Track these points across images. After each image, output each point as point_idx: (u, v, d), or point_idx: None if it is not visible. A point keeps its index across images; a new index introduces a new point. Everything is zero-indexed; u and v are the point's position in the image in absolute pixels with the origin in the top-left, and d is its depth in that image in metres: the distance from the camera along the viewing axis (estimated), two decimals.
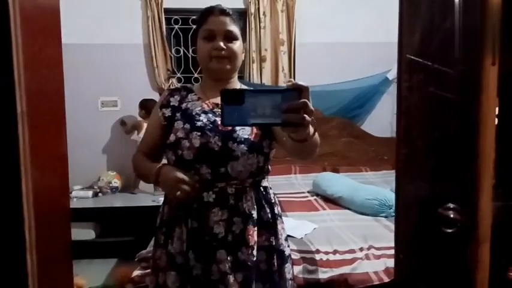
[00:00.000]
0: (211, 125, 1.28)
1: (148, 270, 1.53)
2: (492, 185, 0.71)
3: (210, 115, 1.31)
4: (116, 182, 3.75)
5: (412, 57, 0.63)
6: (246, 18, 3.89)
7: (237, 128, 1.27)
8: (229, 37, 1.30)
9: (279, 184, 3.41)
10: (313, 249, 2.09)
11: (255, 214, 1.30)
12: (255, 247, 1.29)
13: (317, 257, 2.02)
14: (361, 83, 4.02)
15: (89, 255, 3.35)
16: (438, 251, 0.62)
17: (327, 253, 2.07)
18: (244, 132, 1.28)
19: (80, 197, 3.59)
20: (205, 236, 1.27)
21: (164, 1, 3.78)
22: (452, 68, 0.58)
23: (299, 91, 0.81)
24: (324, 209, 2.81)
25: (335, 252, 2.07)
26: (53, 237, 2.49)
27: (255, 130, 1.30)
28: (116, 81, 3.86)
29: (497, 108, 0.71)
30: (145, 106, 3.63)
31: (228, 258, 1.26)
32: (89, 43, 3.78)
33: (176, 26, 3.97)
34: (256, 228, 1.30)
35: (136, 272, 2.09)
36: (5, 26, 1.13)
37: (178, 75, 4.05)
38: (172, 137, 1.29)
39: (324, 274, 1.91)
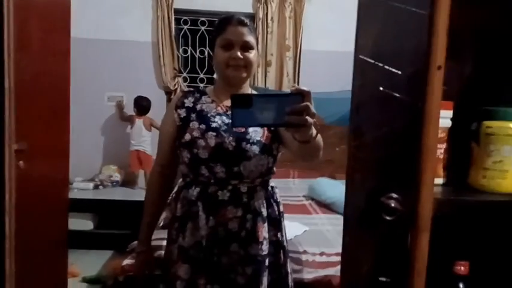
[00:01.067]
0: (225, 126, 1.36)
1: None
2: (442, 182, 0.76)
3: (224, 117, 1.39)
4: (117, 176, 3.82)
5: (365, 58, 0.68)
6: (254, 22, 3.95)
7: (250, 130, 1.36)
8: (246, 47, 1.36)
9: (277, 187, 3.45)
10: (301, 250, 2.14)
11: (264, 212, 1.38)
12: (265, 242, 1.37)
13: (303, 257, 2.06)
14: None
15: (86, 246, 3.42)
16: (380, 237, 0.66)
17: (313, 254, 2.11)
18: (257, 134, 1.36)
19: (80, 188, 3.67)
20: (219, 231, 1.34)
21: (174, 2, 3.86)
22: (401, 70, 0.62)
23: (302, 95, 0.88)
24: (317, 213, 2.85)
25: (322, 254, 2.11)
26: (49, 225, 2.56)
27: (266, 133, 1.38)
28: (122, 77, 3.95)
29: (451, 112, 0.75)
30: (138, 103, 3.72)
31: (240, 251, 1.35)
32: (99, 38, 3.87)
33: (185, 27, 4.05)
34: (265, 225, 1.38)
35: (127, 261, 2.14)
36: None
37: (185, 74, 4.12)
38: (187, 136, 1.36)
39: (308, 274, 1.95)
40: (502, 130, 0.70)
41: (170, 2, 3.84)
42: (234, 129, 1.35)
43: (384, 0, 0.65)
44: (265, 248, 1.37)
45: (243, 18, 1.39)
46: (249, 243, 1.35)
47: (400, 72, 0.62)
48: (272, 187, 1.46)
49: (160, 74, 3.96)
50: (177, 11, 3.92)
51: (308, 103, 0.88)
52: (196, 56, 4.09)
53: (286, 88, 4.02)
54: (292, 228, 2.42)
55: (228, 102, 1.42)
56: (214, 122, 1.36)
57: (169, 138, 1.44)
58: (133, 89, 3.93)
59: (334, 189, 3.03)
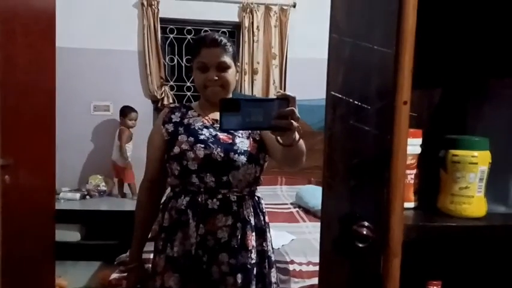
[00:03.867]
0: (213, 138, 1.40)
1: (125, 274, 1.61)
2: (413, 206, 0.79)
3: (211, 129, 1.43)
4: (104, 186, 3.81)
5: (336, 93, 0.71)
6: (240, 31, 3.99)
7: (237, 140, 1.40)
8: (222, 67, 1.40)
9: (265, 195, 3.45)
10: (288, 260, 2.16)
11: (252, 220, 1.42)
12: (253, 251, 1.40)
13: (290, 267, 2.09)
14: None
15: (73, 257, 3.40)
16: (353, 263, 0.69)
17: (300, 264, 2.14)
18: (243, 144, 1.40)
19: (67, 198, 3.65)
20: (208, 240, 1.37)
21: (160, 11, 3.87)
22: (370, 105, 0.65)
23: (287, 100, 0.94)
24: (304, 221, 2.88)
25: (308, 263, 2.14)
26: (35, 237, 2.56)
27: (252, 143, 1.42)
28: (109, 86, 3.95)
29: (420, 140, 0.79)
30: (123, 112, 3.73)
31: (230, 261, 1.37)
32: (85, 47, 3.86)
33: (171, 35, 4.07)
34: (254, 234, 1.42)
35: (114, 275, 2.15)
36: None
37: (171, 83, 4.13)
38: (176, 149, 1.40)
39: (295, 284, 1.98)
40: (467, 159, 0.73)
41: (156, 11, 3.86)
42: (222, 140, 1.39)
43: (351, 40, 0.68)
44: (253, 256, 1.40)
45: (216, 37, 1.42)
46: (239, 252, 1.38)
47: (369, 107, 0.66)
48: (258, 197, 1.50)
49: (146, 83, 3.97)
50: (163, 20, 3.93)
51: (293, 108, 0.93)
52: (183, 65, 4.11)
53: (273, 95, 4.06)
54: (279, 237, 2.44)
55: (213, 115, 1.46)
56: (202, 134, 1.41)
57: (158, 153, 1.47)
58: (120, 98, 3.93)
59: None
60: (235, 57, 1.46)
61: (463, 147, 0.74)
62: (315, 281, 1.99)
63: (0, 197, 1.99)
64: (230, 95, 1.50)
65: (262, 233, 1.46)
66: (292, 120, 0.94)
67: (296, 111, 0.94)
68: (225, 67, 1.40)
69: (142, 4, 3.85)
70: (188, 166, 1.37)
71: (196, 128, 1.43)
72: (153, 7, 3.85)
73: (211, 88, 1.40)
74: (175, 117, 1.48)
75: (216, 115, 1.37)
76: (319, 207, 2.66)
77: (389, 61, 0.64)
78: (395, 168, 0.66)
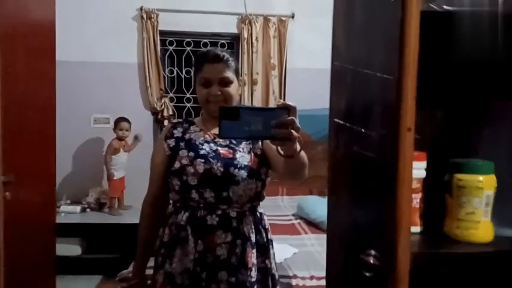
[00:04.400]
0: (213, 153, 1.40)
1: None
2: (419, 230, 0.78)
3: (212, 144, 1.43)
4: (105, 199, 3.80)
5: (339, 121, 0.71)
6: (239, 42, 4.00)
7: (238, 155, 1.39)
8: (224, 82, 1.40)
9: (266, 206, 3.44)
10: (291, 274, 2.15)
11: (253, 237, 1.40)
12: (253, 269, 1.38)
13: (293, 282, 2.08)
14: None
15: (74, 271, 3.38)
16: None
17: (303, 278, 2.12)
18: (244, 159, 1.39)
19: (67, 212, 3.63)
20: (207, 257, 1.35)
21: (160, 23, 3.88)
22: (373, 131, 0.65)
23: (288, 110, 0.92)
24: (306, 232, 2.86)
25: (312, 277, 2.13)
26: (36, 251, 2.54)
27: (253, 157, 1.41)
28: (109, 99, 3.94)
29: (424, 163, 0.78)
30: (117, 123, 3.72)
31: (229, 279, 1.35)
32: (85, 61, 3.87)
33: (171, 48, 4.08)
34: (254, 251, 1.40)
35: None
36: None
37: (171, 95, 4.14)
38: (177, 164, 1.40)
39: None
40: (472, 183, 0.73)
41: (155, 23, 3.87)
42: (222, 155, 1.38)
43: (352, 67, 0.68)
44: (253, 274, 1.38)
45: (219, 52, 1.43)
46: (238, 270, 1.36)
47: (372, 134, 0.65)
48: (261, 213, 1.48)
49: (146, 95, 3.97)
50: (163, 33, 3.94)
51: (293, 117, 0.92)
52: (183, 76, 4.11)
53: (273, 106, 4.05)
54: (282, 251, 2.43)
55: (215, 130, 1.45)
56: (202, 149, 1.41)
57: (161, 169, 1.47)
58: (120, 110, 3.92)
59: (324, 207, 3.02)
60: (238, 72, 1.47)
61: (468, 171, 0.74)
62: None
63: (2, 214, 1.99)
64: None
65: (264, 250, 1.44)
66: (292, 130, 0.92)
67: (296, 120, 0.93)
68: (227, 82, 1.41)
69: (142, 17, 3.86)
70: (188, 181, 1.37)
71: (197, 143, 1.43)
72: (153, 20, 3.86)
73: (214, 103, 1.40)
74: (177, 132, 1.49)
75: (218, 129, 1.42)
76: (321, 219, 2.65)
77: (391, 87, 0.64)
78: (401, 197, 0.65)
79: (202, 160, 1.37)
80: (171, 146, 1.45)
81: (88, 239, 3.59)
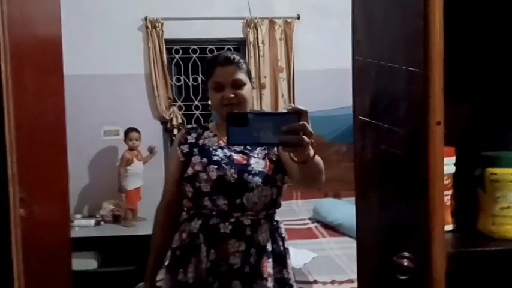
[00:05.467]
0: (227, 159, 1.37)
1: None
2: (451, 228, 0.74)
3: (226, 150, 1.40)
4: (119, 211, 3.78)
5: (364, 118, 0.66)
6: (245, 46, 3.97)
7: (252, 161, 1.36)
8: (237, 85, 1.38)
9: (280, 210, 3.41)
10: (311, 280, 2.11)
11: (269, 246, 1.36)
12: (269, 279, 1.33)
13: (315, 287, 2.03)
14: None
15: (91, 286, 3.35)
16: None
17: (324, 283, 2.08)
18: (259, 165, 1.36)
19: (81, 225, 3.62)
20: (221, 267, 1.32)
21: (165, 32, 3.88)
22: (400, 128, 0.61)
23: (298, 114, 0.87)
24: (324, 236, 2.81)
25: (333, 282, 2.08)
26: (53, 268, 2.52)
27: (268, 164, 1.38)
28: (118, 110, 3.94)
29: (454, 158, 0.74)
30: (126, 134, 3.70)
31: None
32: (92, 74, 3.87)
33: (177, 56, 4.07)
34: (270, 260, 1.35)
35: None
36: None
37: (179, 103, 4.12)
38: (190, 170, 1.38)
39: None
40: (506, 177, 0.68)
41: (161, 33, 3.86)
42: (236, 161, 1.35)
43: (376, 62, 0.64)
44: (270, 285, 1.33)
45: (229, 55, 1.40)
46: (253, 279, 1.32)
47: (399, 130, 0.61)
48: (277, 221, 1.44)
49: (155, 105, 3.96)
50: (168, 41, 3.93)
51: (305, 122, 0.87)
52: (190, 84, 4.10)
53: (283, 109, 4.02)
54: (300, 256, 2.38)
55: None
56: (215, 155, 1.38)
57: (175, 175, 1.45)
58: (129, 121, 3.92)
59: (340, 209, 2.99)
60: (250, 74, 1.44)
61: (501, 165, 0.69)
62: None
63: (19, 232, 1.97)
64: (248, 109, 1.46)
65: (281, 260, 1.40)
66: (304, 136, 0.87)
67: (308, 125, 0.88)
68: (240, 84, 1.38)
69: (147, 27, 3.86)
70: (201, 188, 1.34)
71: (211, 149, 1.40)
72: (158, 29, 3.86)
73: (229, 106, 1.37)
74: (191, 138, 1.46)
75: None
76: (338, 221, 2.60)
77: (418, 81, 0.59)
78: (433, 193, 0.61)
79: (216, 166, 1.34)
80: (185, 152, 1.43)
81: (103, 253, 3.57)
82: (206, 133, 1.47)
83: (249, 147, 1.40)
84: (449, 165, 0.72)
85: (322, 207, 3.15)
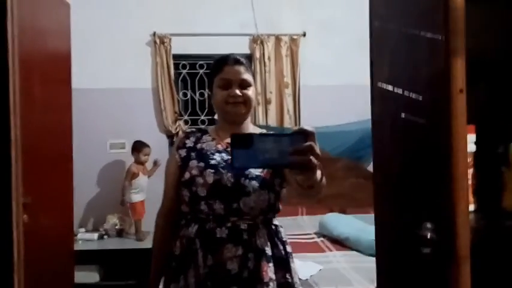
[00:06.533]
0: (224, 163, 1.35)
1: None
2: (473, 208, 0.71)
3: (224, 154, 1.38)
4: (122, 225, 3.74)
5: (383, 85, 0.65)
6: (252, 62, 4.01)
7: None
8: (244, 84, 1.38)
9: (286, 225, 3.33)
10: None
11: (268, 250, 1.33)
12: (271, 284, 1.29)
13: None
14: (366, 123, 4.03)
15: None
16: (417, 272, 0.61)
17: None
18: (256, 169, 1.33)
19: (85, 239, 3.58)
20: (219, 273, 1.29)
21: (173, 48, 3.92)
22: (421, 95, 0.60)
23: (305, 135, 0.84)
24: (330, 250, 2.76)
25: None
26: (55, 277, 2.48)
27: None
28: (124, 123, 3.95)
29: (474, 136, 0.72)
30: (135, 147, 3.70)
31: None
32: (99, 88, 3.90)
33: (184, 71, 4.10)
34: (271, 265, 1.32)
35: None
36: (3, 74, 1.20)
37: (186, 117, 4.13)
38: (187, 175, 1.36)
39: None
40: None
41: (168, 48, 3.91)
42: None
43: (395, 27, 0.63)
44: None
45: (239, 57, 1.42)
46: (253, 285, 1.28)
47: (420, 98, 0.60)
48: (276, 226, 1.41)
49: (161, 119, 3.97)
50: (176, 56, 3.98)
51: (312, 143, 0.83)
52: (196, 99, 4.12)
53: (288, 125, 4.01)
54: (306, 268, 2.33)
55: (228, 139, 1.39)
56: (213, 159, 1.36)
57: (174, 180, 1.43)
58: (135, 134, 3.92)
59: (346, 224, 2.95)
60: (255, 79, 1.45)
61: None
62: None
63: (22, 237, 1.94)
64: (249, 119, 1.46)
65: (283, 264, 1.35)
66: (311, 157, 0.83)
67: (316, 146, 0.84)
68: (247, 85, 1.38)
69: (155, 42, 3.91)
70: (198, 192, 1.32)
71: (208, 153, 1.39)
72: (166, 44, 3.90)
73: (234, 105, 1.37)
74: (190, 142, 1.45)
75: None
76: (345, 235, 2.57)
77: (440, 48, 0.59)
78: (457, 164, 0.59)
79: (212, 170, 1.33)
80: (182, 156, 1.42)
81: (106, 266, 3.52)
82: (205, 137, 1.46)
83: None
84: (469, 143, 0.71)
85: (328, 221, 3.10)
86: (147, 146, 3.73)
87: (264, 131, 1.48)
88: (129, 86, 3.95)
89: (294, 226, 3.40)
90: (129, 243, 3.53)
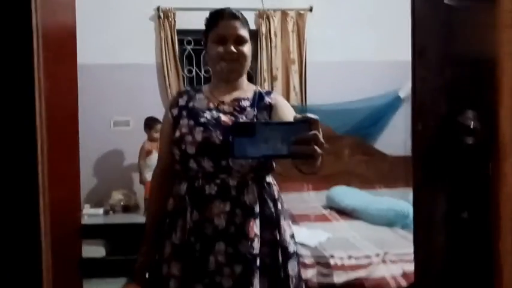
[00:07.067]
0: (214, 121, 1.33)
1: None
2: None
3: (214, 112, 1.36)
4: (127, 201, 3.73)
5: None
6: (257, 38, 3.96)
7: (240, 121, 1.31)
8: (240, 41, 1.34)
9: (291, 200, 3.34)
10: (327, 255, 2.04)
11: (256, 208, 1.32)
12: (256, 240, 1.29)
13: (331, 261, 1.97)
14: (373, 101, 4.01)
15: (99, 274, 3.28)
16: (456, 167, 0.58)
17: (341, 258, 2.01)
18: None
19: (90, 214, 3.57)
20: (206, 228, 1.29)
21: (177, 23, 3.87)
22: None
23: (309, 123, 0.82)
24: (338, 220, 2.74)
25: (350, 257, 2.01)
26: (64, 253, 2.47)
27: None
28: (128, 101, 3.92)
29: None
30: (147, 124, 3.65)
31: (227, 250, 1.28)
32: (103, 63, 3.86)
33: (189, 47, 4.06)
34: (258, 222, 1.31)
35: None
36: (28, 47, 1.19)
37: None
38: (177, 133, 1.35)
39: (338, 277, 1.84)
40: None
41: (173, 23, 3.86)
42: (223, 122, 1.31)
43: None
44: (256, 245, 1.29)
45: (235, 11, 1.38)
46: (238, 240, 1.28)
47: None
48: (268, 183, 1.39)
49: (166, 95, 3.93)
50: (180, 32, 3.93)
51: (316, 132, 0.81)
52: (202, 76, 4.08)
53: (294, 102, 3.97)
54: (315, 235, 2.31)
55: (221, 97, 1.39)
56: (203, 117, 1.35)
57: (167, 139, 1.42)
58: (140, 111, 3.89)
59: (354, 196, 2.93)
60: (250, 35, 1.40)
61: None
62: (359, 273, 1.86)
63: (48, 209, 1.91)
64: (245, 74, 1.42)
65: (271, 222, 1.35)
66: (315, 147, 0.81)
67: (320, 135, 0.81)
68: (243, 41, 1.34)
69: (159, 16, 3.86)
70: (187, 150, 1.31)
71: (199, 111, 1.37)
72: (170, 19, 3.86)
73: (229, 62, 1.33)
74: (182, 100, 1.43)
75: (224, 97, 1.38)
76: (353, 207, 2.55)
77: None
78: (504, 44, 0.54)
79: (202, 128, 1.31)
80: (174, 115, 1.40)
81: (112, 241, 3.51)
82: (198, 95, 1.43)
83: (238, 108, 1.36)
84: None
85: (335, 194, 3.08)
86: (160, 122, 3.68)
87: (258, 88, 1.45)
88: (133, 62, 3.91)
89: (300, 201, 3.38)
90: (134, 218, 3.52)
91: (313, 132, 0.80)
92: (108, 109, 3.92)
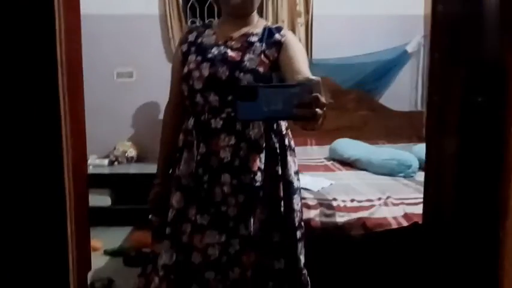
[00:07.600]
0: (221, 57, 1.35)
1: None
2: None
3: (222, 47, 1.38)
4: (132, 152, 3.76)
5: None
6: None
7: (245, 58, 1.34)
8: None
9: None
10: (330, 198, 2.08)
11: (262, 142, 1.36)
12: (259, 173, 1.34)
13: (334, 203, 2.01)
14: (380, 55, 3.94)
15: (105, 222, 3.36)
16: (469, 122, 0.57)
17: (344, 201, 2.05)
18: (252, 63, 1.33)
19: (95, 164, 3.61)
20: (212, 161, 1.34)
21: None
22: None
23: (311, 86, 0.84)
24: (341, 170, 2.77)
25: (352, 200, 2.05)
26: (77, 201, 2.51)
27: (263, 60, 1.34)
28: (131, 52, 3.87)
29: None
30: None
31: (232, 181, 1.32)
32: (105, 13, 3.78)
33: None
34: (262, 156, 1.35)
35: None
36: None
37: None
38: (185, 69, 1.39)
39: (341, 218, 1.88)
40: None
41: None
42: (230, 58, 1.32)
43: None
44: (258, 178, 1.34)
45: None
46: (242, 173, 1.33)
47: None
48: None
49: (169, 47, 3.88)
50: None
51: (318, 94, 0.82)
52: None
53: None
54: (317, 182, 2.34)
55: (230, 33, 1.40)
56: (210, 53, 1.37)
57: (177, 75, 1.45)
58: (142, 63, 3.86)
59: (356, 147, 2.94)
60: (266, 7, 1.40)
61: None
62: (360, 214, 1.90)
63: (71, 158, 1.92)
64: (255, 12, 1.42)
65: (275, 156, 1.38)
66: (317, 109, 0.83)
67: (321, 97, 0.83)
68: None
69: None
70: (194, 86, 1.35)
71: (207, 47, 1.39)
72: None
73: None
74: (192, 36, 1.45)
75: (233, 33, 1.39)
76: (356, 157, 2.57)
77: None
78: None
79: (208, 64, 1.34)
80: (184, 51, 1.43)
81: (117, 191, 3.57)
82: (207, 31, 1.45)
83: (245, 44, 1.37)
84: None
85: (338, 145, 3.09)
86: None
87: (269, 23, 1.45)
88: (136, 12, 3.83)
89: (303, 154, 3.38)
90: (140, 168, 3.56)
91: (314, 94, 0.82)
92: (111, 60, 3.87)
